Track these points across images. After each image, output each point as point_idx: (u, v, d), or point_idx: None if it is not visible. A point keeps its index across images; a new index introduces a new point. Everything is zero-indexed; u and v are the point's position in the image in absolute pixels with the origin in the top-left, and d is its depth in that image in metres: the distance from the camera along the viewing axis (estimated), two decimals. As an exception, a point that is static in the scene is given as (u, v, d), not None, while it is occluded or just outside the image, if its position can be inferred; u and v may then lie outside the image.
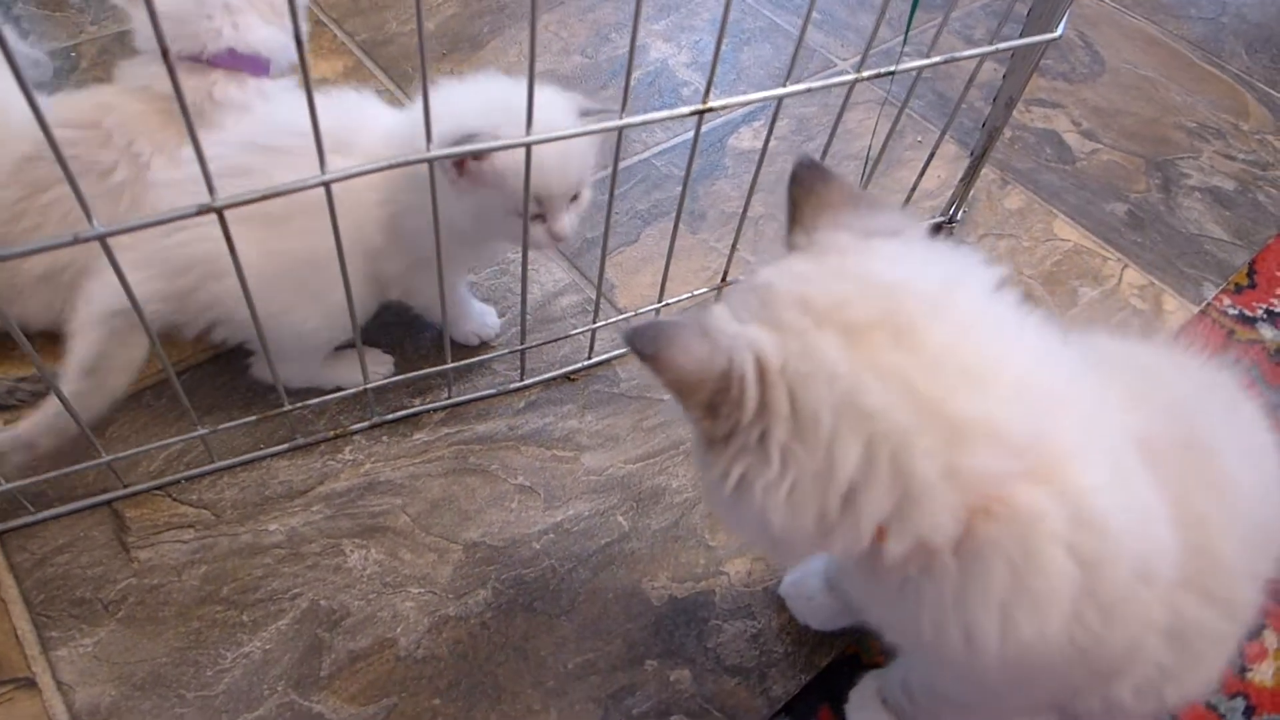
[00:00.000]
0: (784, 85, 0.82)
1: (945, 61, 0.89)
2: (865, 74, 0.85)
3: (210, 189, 0.63)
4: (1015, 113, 1.30)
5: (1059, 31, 0.93)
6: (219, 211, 0.65)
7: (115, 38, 1.31)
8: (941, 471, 0.44)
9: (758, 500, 0.47)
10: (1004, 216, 1.25)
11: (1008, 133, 1.36)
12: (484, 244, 0.92)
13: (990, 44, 0.89)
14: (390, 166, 0.70)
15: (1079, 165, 1.34)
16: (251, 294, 0.74)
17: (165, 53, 0.56)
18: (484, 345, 1.02)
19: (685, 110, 0.79)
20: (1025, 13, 1.00)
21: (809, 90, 0.83)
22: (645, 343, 0.46)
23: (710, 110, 0.79)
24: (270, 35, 1.00)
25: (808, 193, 0.53)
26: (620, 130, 0.78)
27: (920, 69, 0.88)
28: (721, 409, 0.47)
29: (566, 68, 1.37)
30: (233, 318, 0.85)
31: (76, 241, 0.63)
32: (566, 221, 0.83)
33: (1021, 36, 0.95)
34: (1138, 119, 1.42)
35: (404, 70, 1.32)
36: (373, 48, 1.36)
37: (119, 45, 1.30)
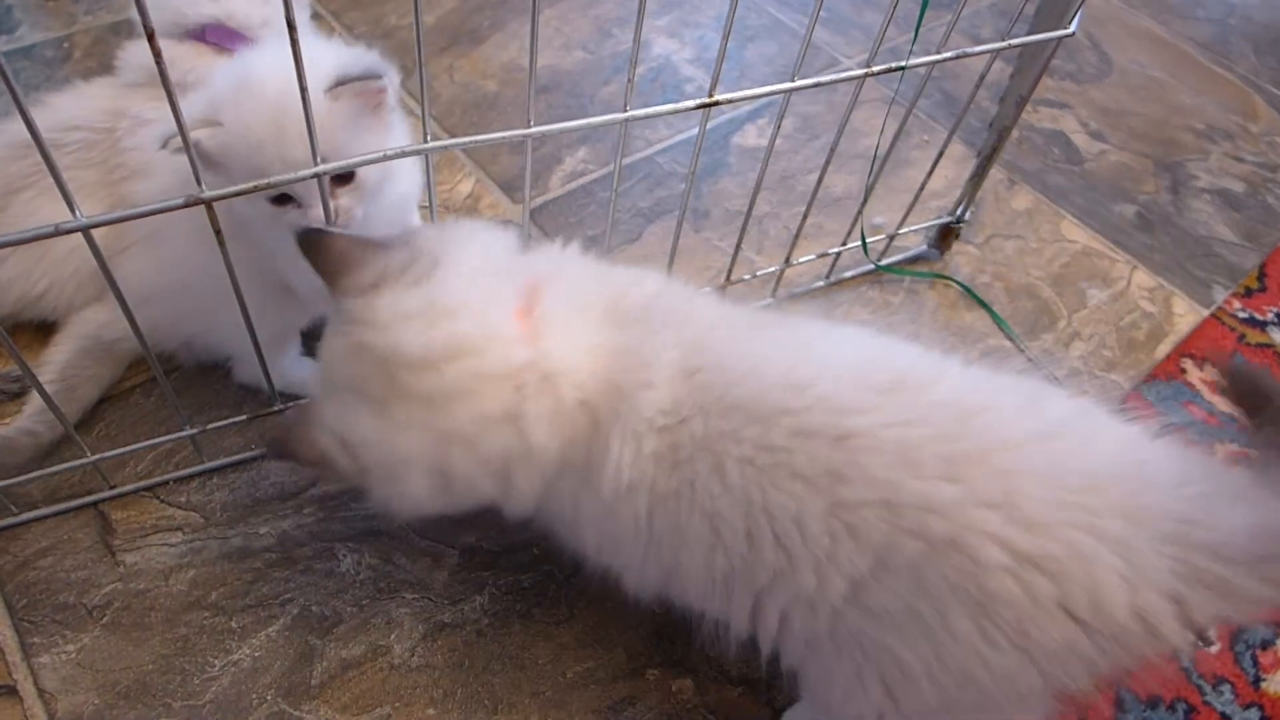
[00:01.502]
0: (792, 80, 0.80)
1: (956, 57, 0.87)
2: (875, 69, 0.83)
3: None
4: (1023, 113, 1.28)
5: (1071, 28, 0.90)
6: (208, 203, 0.63)
7: (109, 28, 1.28)
8: (472, 466, 0.60)
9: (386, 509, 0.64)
10: (1011, 217, 1.23)
11: (1015, 133, 1.33)
12: (270, 257, 0.79)
13: (1001, 41, 0.87)
14: (154, 211, 0.63)
15: (1087, 166, 1.32)
16: (175, 311, 0.73)
17: (150, 36, 0.54)
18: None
19: (691, 104, 0.77)
20: (1034, 12, 0.98)
21: (818, 85, 0.81)
22: (276, 451, 0.63)
23: (716, 104, 0.77)
24: (249, 7, 0.96)
25: (315, 266, 0.62)
26: (624, 124, 0.76)
27: (930, 65, 0.85)
28: (336, 472, 0.62)
29: (568, 63, 1.34)
30: (192, 338, 0.85)
31: (59, 232, 0.61)
32: (331, 206, 0.71)
33: (1031, 34, 0.93)
34: (1146, 120, 1.41)
35: (403, 64, 1.29)
36: (371, 41, 1.33)
37: (113, 35, 1.28)
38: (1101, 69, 1.48)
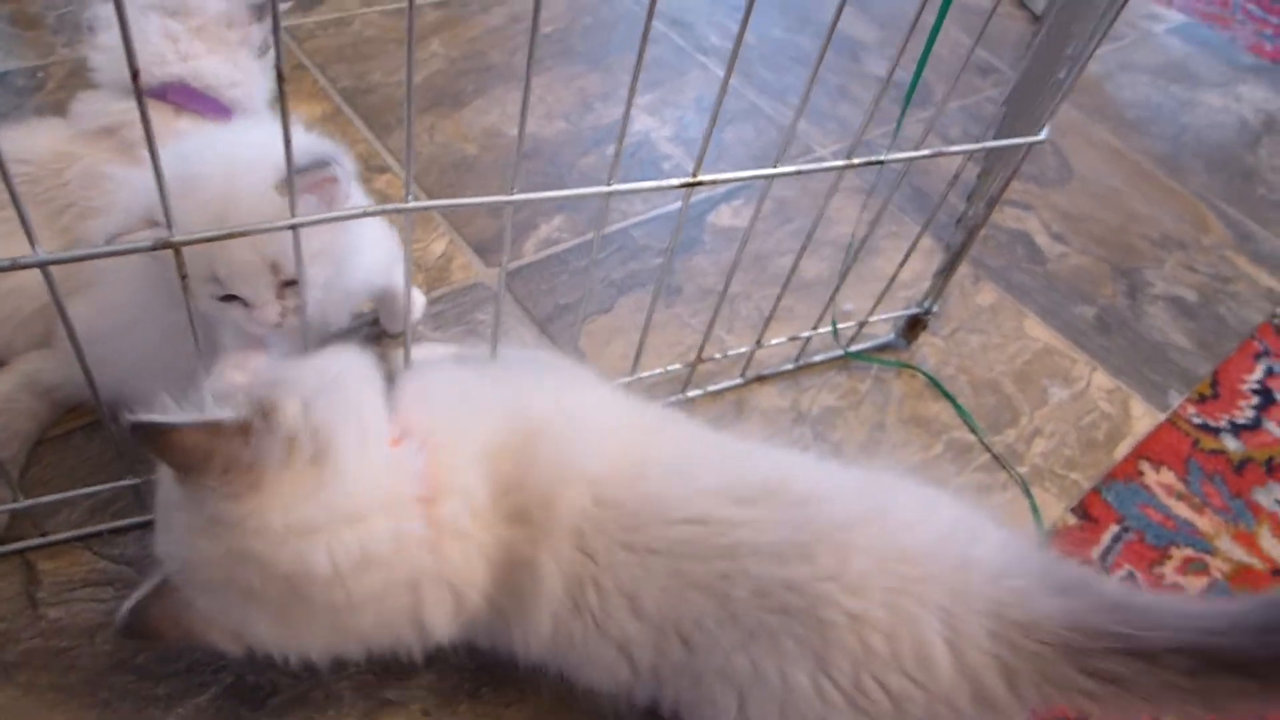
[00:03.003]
0: (774, 166, 0.81)
1: (932, 155, 0.89)
2: (855, 161, 0.84)
3: (169, 222, 0.59)
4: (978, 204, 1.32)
5: (1042, 135, 0.93)
6: (176, 247, 0.61)
7: (85, 61, 1.27)
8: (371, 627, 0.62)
9: None
10: (976, 312, 1.25)
11: (981, 230, 1.37)
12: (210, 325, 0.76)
13: (973, 143, 0.90)
14: (120, 252, 0.61)
15: (1049, 267, 1.36)
16: (112, 356, 0.71)
17: (135, 75, 0.52)
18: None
19: (675, 182, 0.77)
20: (1000, 116, 1.01)
21: (800, 173, 0.83)
22: (132, 632, 0.62)
23: (699, 184, 0.78)
24: (219, 68, 0.95)
25: (168, 457, 0.55)
26: (607, 197, 0.76)
27: (909, 160, 0.87)
28: None
29: (549, 132, 1.36)
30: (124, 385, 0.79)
31: (15, 267, 0.58)
32: (275, 306, 0.70)
33: (997, 138, 0.96)
34: (1104, 225, 1.45)
35: (385, 121, 1.30)
36: (354, 96, 1.34)
37: (88, 70, 1.26)
38: (1063, 174, 1.54)
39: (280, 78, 0.57)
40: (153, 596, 0.61)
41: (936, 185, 1.09)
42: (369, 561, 0.57)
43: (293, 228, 0.64)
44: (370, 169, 1.24)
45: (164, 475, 0.60)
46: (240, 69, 0.97)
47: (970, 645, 0.55)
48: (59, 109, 1.14)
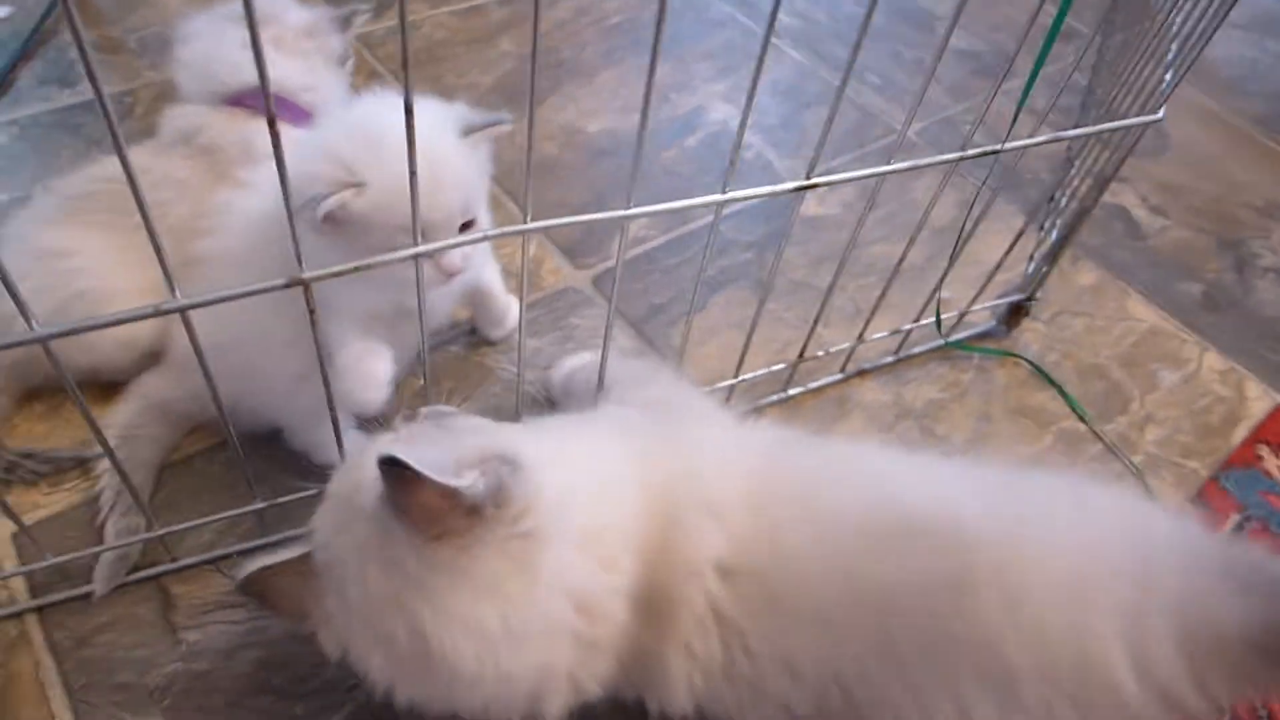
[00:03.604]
0: (888, 163, 0.79)
1: (1050, 141, 0.86)
2: (971, 152, 0.81)
3: (171, 288, 0.59)
4: (1077, 184, 1.27)
5: (1160, 114, 0.90)
6: (306, 284, 0.61)
7: (171, 83, 1.28)
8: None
9: None
10: (1077, 293, 1.21)
11: (1076, 206, 1.33)
12: (369, 304, 0.79)
13: (1059, 114, 0.86)
14: (255, 292, 0.61)
15: (1150, 242, 1.30)
16: (225, 372, 0.69)
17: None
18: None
19: (789, 186, 0.76)
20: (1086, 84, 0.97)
21: (915, 167, 0.80)
22: (252, 593, 0.63)
23: (814, 186, 0.76)
24: (293, 70, 0.96)
25: (403, 508, 0.53)
26: (721, 206, 0.75)
27: (1025, 148, 0.84)
28: None
29: (626, 127, 1.34)
30: (239, 403, 0.81)
31: (159, 313, 0.59)
32: (457, 254, 0.74)
33: (1083, 113, 0.92)
34: (1204, 196, 1.39)
35: (463, 125, 1.29)
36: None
37: (175, 91, 1.28)
38: (1158, 144, 1.47)
39: (408, 110, 0.56)
40: (286, 567, 0.60)
41: (1023, 162, 1.06)
42: (507, 679, 0.56)
43: (416, 256, 0.64)
44: (453, 175, 1.23)
45: (356, 470, 0.58)
46: (314, 74, 0.98)
47: (1157, 658, 0.52)
48: (150, 133, 1.16)
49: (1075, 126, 0.87)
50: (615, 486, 0.61)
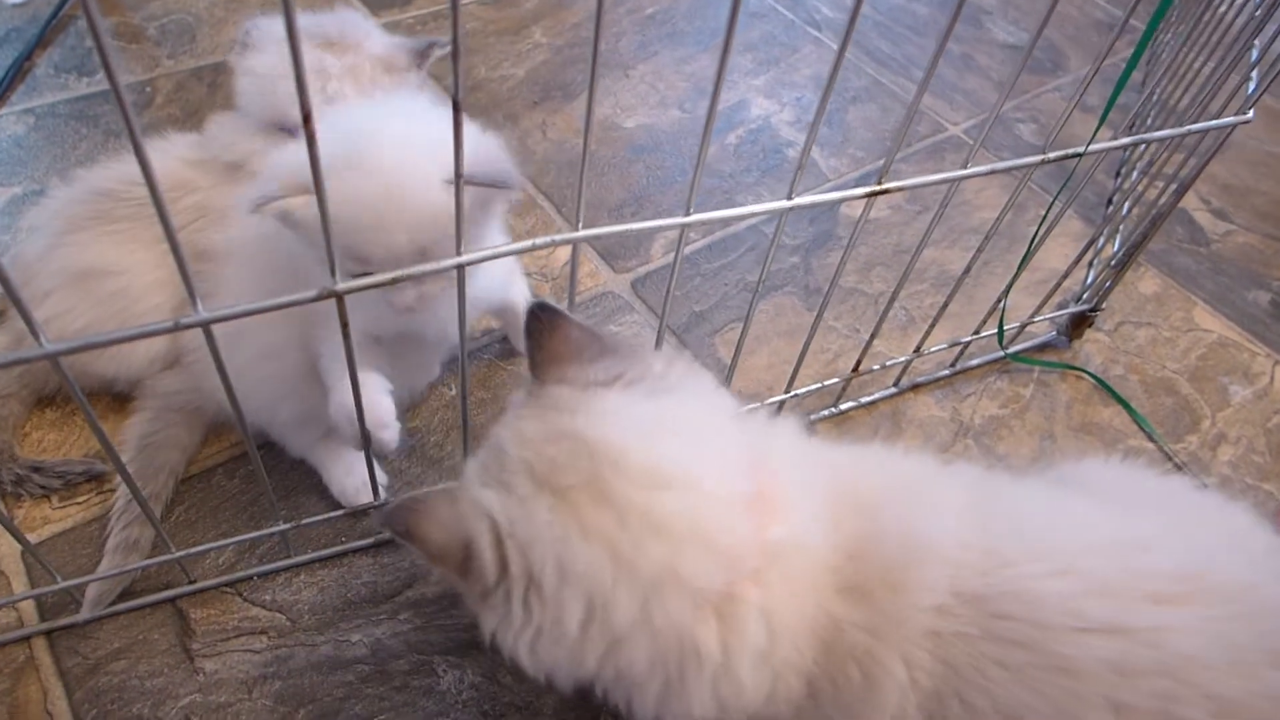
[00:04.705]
0: (964, 167, 0.73)
1: (1133, 144, 0.79)
2: (1051, 155, 0.75)
3: (193, 302, 0.53)
4: (1141, 188, 1.20)
5: (1249, 115, 0.83)
6: (339, 295, 0.56)
7: (192, 73, 1.24)
8: (635, 621, 0.48)
9: (509, 647, 0.51)
10: (1140, 303, 1.15)
11: (1136, 210, 1.26)
12: (366, 327, 0.72)
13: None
14: (282, 305, 0.55)
15: (1214, 248, 1.24)
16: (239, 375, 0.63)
17: (306, 117, 0.47)
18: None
19: (860, 192, 0.70)
20: (1141, 81, 0.90)
21: (992, 172, 0.74)
22: (397, 522, 0.50)
23: (885, 191, 0.70)
24: None
25: (538, 344, 0.56)
26: (786, 213, 0.69)
27: (1106, 151, 0.78)
28: (471, 572, 0.50)
29: (664, 122, 1.28)
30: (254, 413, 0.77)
31: (179, 328, 0.54)
32: (411, 292, 0.65)
33: (1140, 111, 0.85)
34: (1268, 198, 1.32)
35: (495, 119, 1.24)
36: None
37: (196, 81, 1.23)
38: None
39: (456, 107, 0.51)
40: (425, 498, 0.51)
41: (1072, 163, 1.00)
42: (685, 480, 0.49)
43: (459, 266, 0.59)
44: (484, 171, 1.18)
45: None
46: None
47: None
48: (173, 123, 1.11)
49: (1132, 127, 0.81)
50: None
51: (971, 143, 0.73)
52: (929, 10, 1.59)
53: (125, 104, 0.43)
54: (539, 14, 1.44)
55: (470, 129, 0.69)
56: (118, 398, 0.87)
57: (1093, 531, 0.52)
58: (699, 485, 0.49)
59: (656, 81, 1.34)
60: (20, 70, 1.21)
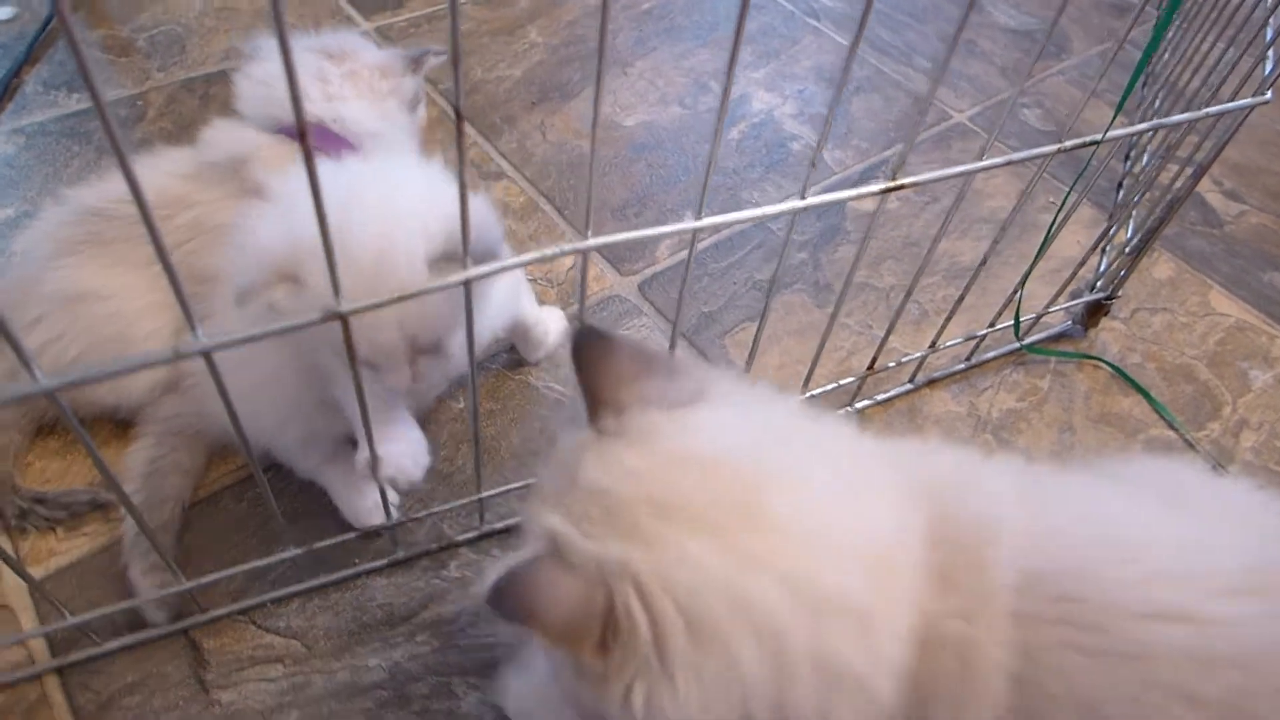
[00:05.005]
0: (980, 159, 0.71)
1: (1151, 129, 0.78)
2: (1067, 144, 0.73)
3: (192, 328, 0.51)
4: (1154, 172, 1.18)
5: (1268, 95, 0.81)
6: (344, 318, 0.54)
7: (183, 85, 1.21)
8: (807, 650, 0.43)
9: (668, 715, 0.43)
10: (1155, 288, 1.13)
11: (1150, 195, 1.24)
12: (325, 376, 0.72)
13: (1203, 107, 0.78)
14: (286, 330, 0.53)
15: (1227, 229, 1.22)
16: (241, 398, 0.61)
17: (302, 135, 0.45)
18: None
19: (876, 188, 0.68)
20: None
21: (1009, 163, 0.72)
22: (514, 606, 0.42)
23: (900, 188, 0.68)
24: (363, 113, 0.89)
25: (597, 368, 0.49)
26: (797, 214, 0.67)
27: (1127, 137, 0.76)
28: (614, 645, 0.43)
29: (665, 119, 1.26)
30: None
31: (179, 357, 0.52)
32: (406, 373, 0.65)
33: (1209, 103, 0.83)
34: (1280, 177, 1.30)
35: (491, 121, 1.22)
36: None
37: (187, 94, 1.21)
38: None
39: (459, 114, 0.49)
40: (527, 567, 0.44)
41: (1088, 151, 0.98)
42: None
43: (465, 282, 0.57)
44: (484, 175, 1.16)
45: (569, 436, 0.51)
46: (385, 118, 0.91)
47: None
48: (166, 137, 1.09)
49: (1139, 110, 0.80)
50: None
51: (977, 130, 0.71)
52: (928, -4, 1.57)
53: (108, 119, 0.41)
54: (534, 13, 1.42)
55: (445, 183, 0.68)
56: (119, 424, 0.85)
57: (1157, 524, 0.51)
58: (842, 495, 0.47)
59: (655, 78, 1.32)
60: (8, 88, 1.19)
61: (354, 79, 0.87)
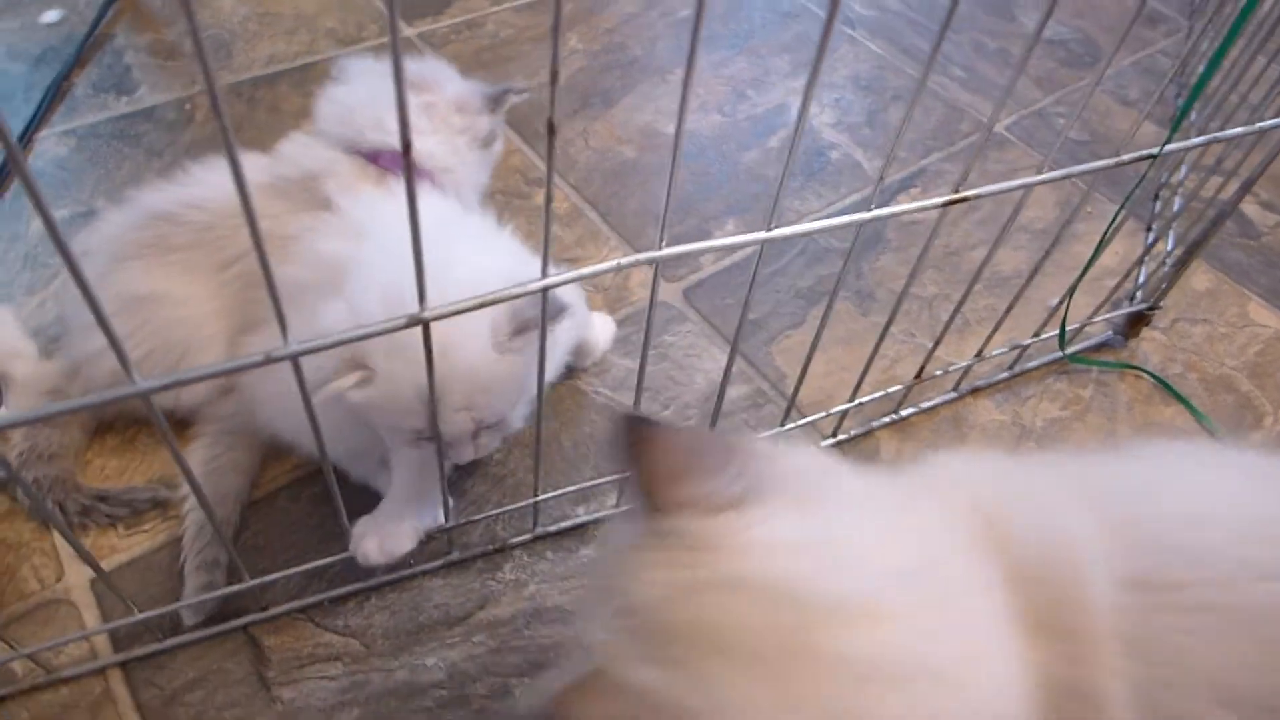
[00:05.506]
0: (1039, 172, 0.72)
1: (1207, 143, 0.78)
2: (1126, 157, 0.74)
3: (284, 333, 0.52)
4: (1192, 184, 1.19)
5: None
6: (426, 323, 0.55)
7: (230, 89, 1.23)
8: None
9: None
10: (1194, 299, 1.13)
11: (1210, 210, 1.24)
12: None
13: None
14: (369, 335, 0.54)
15: (1264, 240, 1.22)
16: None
17: (406, 148, 0.46)
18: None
19: (939, 200, 0.69)
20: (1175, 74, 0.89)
21: (1068, 176, 0.73)
22: None
23: (965, 199, 0.69)
24: (436, 148, 0.90)
25: (643, 462, 0.45)
26: (862, 226, 0.68)
27: (1184, 150, 0.77)
28: None
29: (705, 127, 1.27)
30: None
31: (268, 361, 0.53)
32: (470, 449, 0.69)
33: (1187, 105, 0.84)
34: (1316, 188, 1.31)
35: (535, 128, 1.23)
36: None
37: (235, 97, 1.23)
38: (1266, 134, 1.38)
39: (551, 129, 0.50)
40: (573, 692, 0.42)
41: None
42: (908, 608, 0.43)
43: (544, 290, 0.58)
44: (528, 182, 1.17)
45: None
46: (457, 155, 0.92)
47: None
48: (214, 141, 1.11)
49: (1172, 120, 0.80)
50: None
51: (1013, 139, 0.72)
52: (965, 6, 1.57)
53: (224, 115, 0.42)
54: (573, 20, 1.43)
55: (510, 256, 0.70)
56: (175, 424, 0.87)
57: (1223, 490, 0.49)
58: (914, 609, 0.43)
59: (695, 86, 1.33)
60: (59, 90, 1.21)
61: (430, 112, 0.88)
